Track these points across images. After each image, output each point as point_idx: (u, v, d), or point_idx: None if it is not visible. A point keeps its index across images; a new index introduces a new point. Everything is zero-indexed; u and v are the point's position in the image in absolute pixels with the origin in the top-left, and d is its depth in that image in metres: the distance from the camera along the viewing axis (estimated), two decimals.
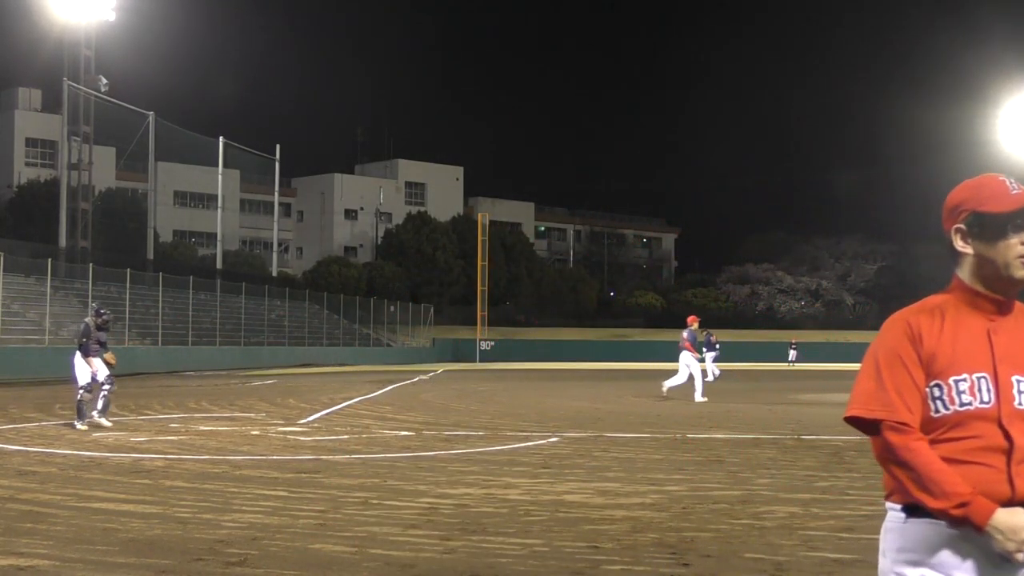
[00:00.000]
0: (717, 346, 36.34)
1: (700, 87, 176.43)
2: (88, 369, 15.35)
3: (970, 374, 2.52)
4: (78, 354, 15.58)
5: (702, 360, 23.80)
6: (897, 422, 2.50)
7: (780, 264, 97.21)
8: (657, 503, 8.64)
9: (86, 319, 16.22)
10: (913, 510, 2.54)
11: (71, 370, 15.73)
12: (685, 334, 23.60)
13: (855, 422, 2.58)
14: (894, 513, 2.60)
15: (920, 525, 2.52)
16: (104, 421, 15.34)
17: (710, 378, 34.15)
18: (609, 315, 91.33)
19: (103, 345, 15.72)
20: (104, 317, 16.04)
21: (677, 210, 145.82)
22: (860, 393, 2.58)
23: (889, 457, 2.53)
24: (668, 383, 23.89)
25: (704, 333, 37.27)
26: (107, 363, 15.51)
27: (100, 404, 15.37)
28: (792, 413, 19.96)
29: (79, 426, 15.05)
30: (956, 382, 2.51)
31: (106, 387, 15.36)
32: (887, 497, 2.63)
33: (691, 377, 23.61)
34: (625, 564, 6.29)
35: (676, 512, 8.18)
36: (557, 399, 24.45)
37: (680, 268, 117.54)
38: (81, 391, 15.24)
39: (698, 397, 23.00)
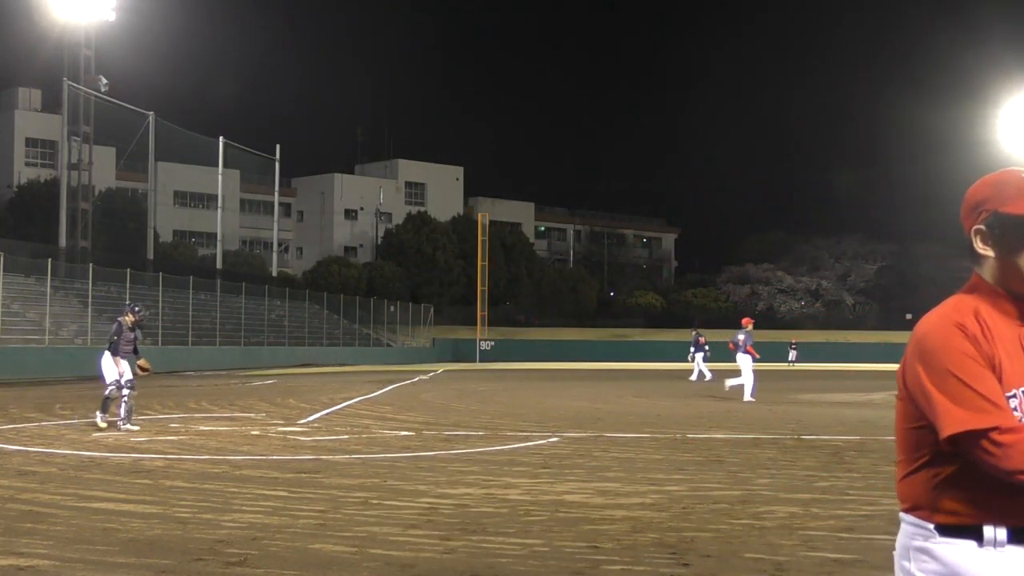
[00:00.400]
0: (706, 347, 36.27)
1: (700, 87, 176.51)
2: (115, 368, 15.04)
3: (1017, 389, 2.33)
4: (107, 353, 15.23)
5: (758, 360, 23.77)
6: (1008, 427, 2.24)
7: (780, 264, 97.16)
8: (657, 503, 8.64)
9: (119, 318, 15.65)
10: (949, 530, 2.32)
11: (97, 369, 15.49)
12: (741, 336, 23.58)
13: (955, 439, 2.28)
14: (921, 530, 2.37)
15: (969, 547, 2.30)
16: (130, 427, 14.99)
17: (708, 377, 34.20)
18: (609, 315, 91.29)
19: (134, 345, 15.37)
20: (141, 314, 15.66)
21: (677, 210, 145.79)
22: (953, 408, 2.27)
23: (1014, 462, 2.22)
24: (733, 383, 24.02)
25: (694, 334, 37.30)
26: (141, 368, 15.22)
27: (123, 412, 15.05)
28: (792, 413, 19.97)
29: (99, 422, 14.98)
30: (1008, 399, 2.31)
31: (126, 392, 15.00)
32: (910, 511, 2.40)
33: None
34: (625, 564, 6.29)
35: (676, 512, 8.18)
36: (557, 399, 24.45)
37: (680, 268, 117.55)
38: (110, 388, 14.99)
39: (747, 396, 23.24)
